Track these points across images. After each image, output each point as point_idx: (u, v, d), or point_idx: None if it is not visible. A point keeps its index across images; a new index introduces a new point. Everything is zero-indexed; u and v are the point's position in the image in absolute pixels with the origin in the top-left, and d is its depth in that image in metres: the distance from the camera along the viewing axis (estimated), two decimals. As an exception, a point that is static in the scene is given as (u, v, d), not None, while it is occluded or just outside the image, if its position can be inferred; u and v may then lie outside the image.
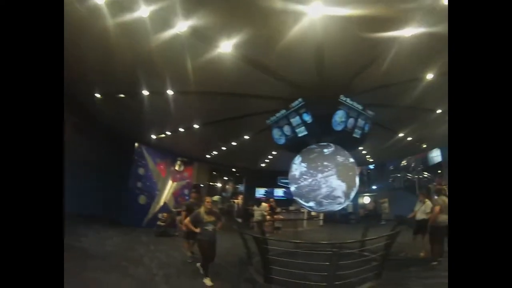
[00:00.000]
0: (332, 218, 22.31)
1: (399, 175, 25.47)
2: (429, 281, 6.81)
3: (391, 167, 26.63)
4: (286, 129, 10.26)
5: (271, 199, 19.85)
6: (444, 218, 8.14)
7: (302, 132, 9.79)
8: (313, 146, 10.09)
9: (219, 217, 7.57)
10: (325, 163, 9.35)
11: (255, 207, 18.35)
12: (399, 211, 16.97)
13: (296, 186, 10.03)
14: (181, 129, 14.08)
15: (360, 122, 10.06)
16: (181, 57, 7.78)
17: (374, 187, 26.91)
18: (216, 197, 8.42)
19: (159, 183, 18.33)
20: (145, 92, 9.81)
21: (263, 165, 23.10)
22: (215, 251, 7.25)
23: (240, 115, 12.16)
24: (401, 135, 15.37)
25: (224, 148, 17.96)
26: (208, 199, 7.56)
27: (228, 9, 6.15)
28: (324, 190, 9.28)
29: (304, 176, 9.61)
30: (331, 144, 9.94)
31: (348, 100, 9.37)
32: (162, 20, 6.30)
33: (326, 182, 9.24)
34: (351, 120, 9.68)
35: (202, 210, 7.29)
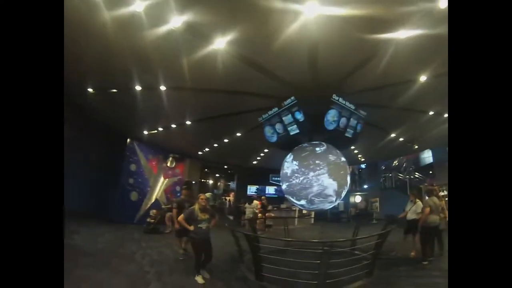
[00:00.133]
0: (323, 217, 22.42)
1: (390, 175, 25.65)
2: (419, 280, 6.87)
3: (383, 167, 26.79)
4: (278, 127, 10.24)
5: (263, 197, 19.94)
6: (434, 218, 8.22)
7: (294, 130, 9.78)
8: (305, 144, 10.11)
9: (213, 214, 7.52)
10: (317, 161, 9.36)
11: (246, 205, 18.42)
12: (390, 211, 17.11)
13: (287, 184, 10.04)
14: (173, 125, 14.02)
15: (353, 121, 10.08)
16: (175, 53, 7.74)
17: (365, 186, 27.06)
18: (207, 194, 8.34)
19: (151, 179, 18.24)
20: (138, 88, 9.74)
21: (255, 162, 23.13)
22: (209, 249, 7.21)
23: (232, 112, 12.14)
24: (393, 135, 15.46)
25: (216, 145, 17.92)
26: (202, 196, 7.49)
27: (223, 6, 6.11)
28: (315, 189, 9.29)
29: (296, 174, 9.62)
30: (323, 143, 9.95)
31: (340, 99, 9.39)
32: (156, 15, 6.25)
33: (318, 180, 9.25)
34: (343, 120, 9.70)
35: (196, 207, 7.23)
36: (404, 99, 10.40)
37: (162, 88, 9.74)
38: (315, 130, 9.74)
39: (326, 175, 9.22)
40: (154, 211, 15.13)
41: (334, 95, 9.22)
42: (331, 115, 9.33)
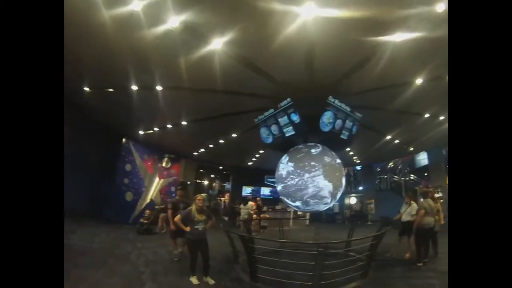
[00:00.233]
0: (318, 218, 22.45)
1: (385, 176, 25.76)
2: (414, 281, 6.87)
3: (378, 169, 26.92)
4: (274, 128, 10.26)
5: (258, 198, 19.92)
6: (429, 220, 8.24)
7: (289, 132, 9.80)
8: (301, 146, 10.11)
9: (209, 215, 7.42)
10: (313, 163, 9.36)
11: (241, 206, 18.36)
12: (385, 212, 17.14)
13: (282, 185, 10.04)
14: (169, 126, 14.00)
15: (348, 123, 10.12)
16: (172, 53, 7.75)
17: (360, 188, 27.12)
18: (203, 195, 8.31)
19: (146, 179, 18.22)
20: (134, 87, 9.72)
21: (250, 163, 23.16)
22: (206, 251, 7.10)
23: (228, 113, 12.16)
24: (388, 137, 15.56)
25: (211, 146, 17.94)
26: (199, 197, 7.40)
27: (221, 7, 6.13)
28: (310, 190, 9.29)
29: (291, 176, 9.61)
30: (319, 145, 9.97)
31: (336, 101, 9.42)
32: (154, 15, 6.25)
33: (313, 182, 9.25)
34: (339, 122, 9.73)
35: (193, 208, 7.14)
36: (400, 102, 10.48)
37: (159, 88, 9.73)
38: (310, 132, 9.76)
39: (322, 176, 9.23)
40: (148, 211, 15.03)
41: (330, 97, 9.24)
42: (327, 117, 9.35)
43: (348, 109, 9.89)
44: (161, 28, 6.62)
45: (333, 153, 10.03)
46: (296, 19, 6.28)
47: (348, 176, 27.48)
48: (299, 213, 19.21)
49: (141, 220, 14.42)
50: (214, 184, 36.83)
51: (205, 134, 15.84)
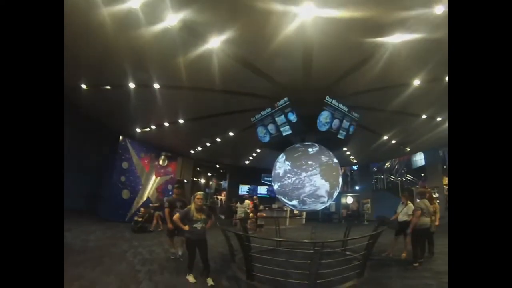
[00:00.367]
0: (314, 217, 22.48)
1: (382, 176, 25.82)
2: (410, 281, 6.90)
3: (375, 169, 27.01)
4: (271, 127, 10.26)
5: (255, 197, 19.93)
6: (425, 220, 8.28)
7: (286, 131, 9.80)
8: (298, 145, 10.13)
9: (209, 215, 7.34)
10: (310, 162, 9.38)
11: (238, 204, 18.39)
12: (381, 212, 17.18)
13: (279, 184, 10.04)
14: (166, 124, 13.97)
15: (345, 123, 10.13)
16: (169, 51, 7.73)
17: (357, 187, 27.18)
18: (200, 193, 8.26)
19: (142, 177, 18.16)
20: (132, 85, 9.70)
21: (247, 162, 23.16)
22: (204, 250, 7.00)
23: (225, 112, 12.15)
24: (385, 138, 15.59)
25: (208, 144, 17.91)
26: (199, 195, 7.34)
27: (219, 6, 6.12)
28: (307, 189, 9.30)
29: (288, 175, 9.62)
30: (316, 144, 9.98)
31: (333, 101, 9.42)
32: (152, 13, 6.23)
33: (310, 181, 9.26)
34: (336, 121, 9.74)
35: (192, 206, 7.08)
36: (397, 102, 10.51)
37: (156, 86, 9.70)
38: (307, 131, 9.79)
39: (319, 175, 9.24)
40: (142, 209, 14.98)
41: (327, 96, 9.25)
42: (324, 116, 9.36)
43: (346, 109, 9.90)
44: (159, 26, 6.59)
45: (330, 152, 10.05)
46: (295, 19, 6.28)
47: (344, 176, 27.54)
48: (295, 212, 19.25)
49: (136, 218, 14.33)
50: (211, 183, 36.85)
51: (202, 133, 15.83)
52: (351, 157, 21.29)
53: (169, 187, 19.58)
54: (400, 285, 6.76)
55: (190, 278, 6.81)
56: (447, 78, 8.53)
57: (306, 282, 6.34)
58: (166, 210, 8.69)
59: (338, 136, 10.07)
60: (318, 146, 9.92)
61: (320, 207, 10.33)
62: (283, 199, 10.33)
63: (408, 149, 18.68)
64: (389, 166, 27.32)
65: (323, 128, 9.43)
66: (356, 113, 10.46)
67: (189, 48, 7.48)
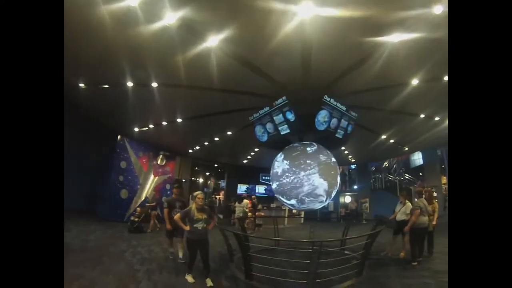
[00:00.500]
0: (313, 216, 22.49)
1: (380, 176, 25.91)
2: (408, 280, 6.91)
3: (373, 168, 27.07)
4: (269, 126, 10.25)
5: (253, 196, 19.92)
6: (424, 220, 8.28)
7: (284, 130, 9.79)
8: (296, 144, 10.12)
9: (210, 215, 7.23)
10: (308, 161, 9.37)
11: (236, 204, 18.37)
12: (379, 211, 17.21)
13: (278, 183, 10.04)
14: (164, 123, 13.94)
15: (343, 122, 10.13)
16: (168, 50, 7.70)
17: (355, 187, 27.21)
18: (197, 193, 8.20)
19: (141, 177, 18.13)
20: (130, 84, 9.67)
21: (245, 161, 23.16)
22: (205, 251, 6.88)
23: (223, 111, 12.14)
24: (383, 137, 15.61)
25: (206, 143, 17.90)
26: (200, 195, 7.22)
27: (218, 5, 6.10)
28: (306, 188, 9.30)
29: (287, 174, 9.61)
30: (314, 143, 9.98)
31: (332, 100, 9.41)
32: (150, 11, 6.20)
33: (309, 180, 9.26)
34: (334, 121, 9.73)
35: (193, 206, 6.98)
36: (396, 102, 10.52)
37: (154, 85, 9.68)
38: (305, 130, 9.78)
39: (317, 175, 9.24)
40: (139, 209, 14.85)
41: (325, 96, 9.24)
42: (322, 115, 9.35)
43: (344, 108, 9.89)
44: (157, 25, 6.56)
45: (328, 151, 10.04)
46: (294, 18, 6.26)
47: (343, 175, 27.60)
48: (294, 211, 19.25)
49: (132, 218, 14.20)
50: (209, 182, 36.83)
51: (200, 132, 15.81)
52: (349, 156, 21.33)
53: (167, 186, 19.56)
54: (398, 284, 6.77)
55: (189, 278, 6.79)
56: (445, 78, 8.55)
57: (305, 281, 6.34)
58: (165, 211, 8.60)
59: (336, 135, 10.06)
60: (316, 145, 9.92)
61: (318, 206, 10.33)
62: (282, 198, 10.32)
63: (406, 149, 18.71)
64: (387, 165, 27.40)
65: (321, 127, 9.42)
66: (354, 112, 10.45)
67: (188, 46, 7.46)
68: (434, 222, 8.92)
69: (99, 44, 7.58)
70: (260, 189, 26.80)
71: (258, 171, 26.18)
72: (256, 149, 18.90)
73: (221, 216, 22.68)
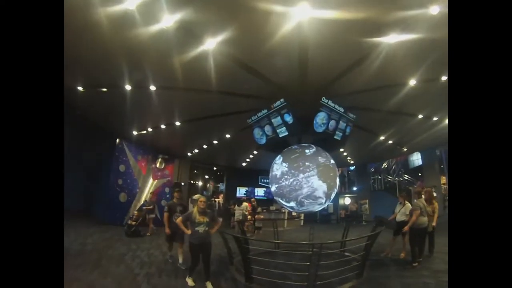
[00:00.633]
0: (312, 219, 22.46)
1: (379, 177, 25.90)
2: (409, 281, 6.89)
3: (372, 169, 27.06)
4: (267, 129, 10.23)
5: (252, 199, 19.90)
6: (423, 220, 8.28)
7: (283, 132, 9.79)
8: (295, 146, 10.10)
9: (213, 218, 7.16)
10: (307, 163, 9.34)
11: (236, 207, 18.34)
12: (379, 212, 17.19)
13: (277, 186, 10.00)
14: (162, 126, 13.91)
15: (342, 124, 10.12)
16: (166, 52, 7.70)
17: (355, 188, 27.19)
18: (197, 196, 8.14)
19: (140, 180, 18.08)
20: (128, 87, 9.66)
21: (244, 164, 23.13)
22: (207, 254, 6.85)
23: (221, 113, 12.13)
24: (382, 138, 15.61)
25: (205, 146, 17.89)
26: (202, 198, 7.14)
27: (215, 7, 6.11)
28: (305, 190, 9.27)
29: (286, 176, 9.58)
30: (313, 145, 9.96)
31: (329, 102, 9.41)
32: (148, 13, 6.20)
33: (308, 182, 9.23)
34: (332, 122, 9.72)
35: (195, 209, 6.93)
36: (394, 102, 10.53)
37: (152, 87, 9.67)
38: (304, 133, 9.77)
39: (316, 177, 9.20)
40: (136, 212, 14.57)
41: (323, 97, 9.23)
42: (320, 117, 9.34)
43: (342, 109, 9.89)
44: (155, 27, 6.57)
45: (327, 153, 10.03)
46: (290, 20, 6.27)
47: (342, 177, 27.60)
48: (293, 213, 19.22)
49: (129, 221, 13.94)
50: (208, 185, 36.77)
51: (198, 135, 15.80)
52: (348, 158, 21.32)
53: (166, 190, 19.54)
54: (399, 284, 6.76)
55: (189, 281, 6.77)
56: (443, 78, 8.56)
57: (305, 284, 6.31)
58: (166, 215, 8.52)
59: (335, 137, 10.05)
60: (315, 147, 9.90)
61: (318, 208, 10.29)
62: (281, 201, 10.28)
63: (405, 149, 18.73)
64: (386, 166, 27.40)
65: (320, 129, 9.41)
66: (352, 114, 10.44)
67: (185, 49, 7.46)
68: (434, 223, 8.90)
69: (97, 47, 7.58)
70: (260, 192, 26.76)
71: (257, 173, 26.14)
72: (255, 152, 18.90)
73: (220, 219, 22.65)
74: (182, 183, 21.27)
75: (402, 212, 9.45)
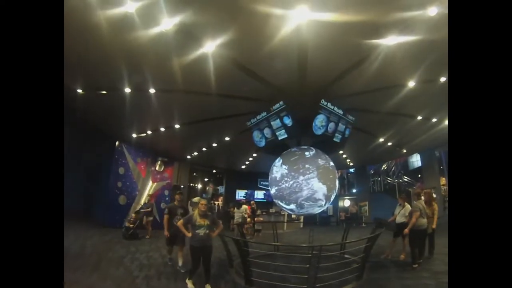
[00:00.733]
0: (312, 221, 22.46)
1: (379, 178, 25.92)
2: (409, 282, 6.88)
3: (372, 171, 27.08)
4: (267, 131, 10.25)
5: (252, 201, 19.86)
6: (423, 222, 8.27)
7: (282, 135, 9.80)
8: (295, 148, 10.08)
9: (215, 221, 7.15)
10: (307, 165, 9.33)
11: (235, 209, 18.31)
12: (379, 214, 17.18)
13: (276, 188, 9.99)
14: (162, 129, 13.90)
15: (341, 126, 10.13)
16: (165, 55, 7.71)
17: (354, 190, 27.18)
18: (196, 199, 8.13)
19: (139, 183, 18.06)
20: (127, 90, 9.66)
21: (243, 167, 23.14)
22: (207, 257, 6.83)
23: (221, 116, 12.13)
24: (381, 140, 15.61)
25: (204, 149, 17.88)
26: (203, 201, 7.09)
27: (214, 10, 6.12)
28: (305, 193, 9.26)
29: (286, 178, 9.56)
30: (312, 148, 9.96)
31: (329, 104, 9.42)
32: (148, 16, 6.21)
33: (308, 184, 9.22)
34: (331, 125, 9.73)
35: (195, 212, 6.92)
36: (392, 104, 10.53)
37: (152, 90, 9.67)
38: (303, 135, 9.77)
39: (316, 179, 9.19)
40: (133, 215, 14.64)
41: (322, 100, 9.24)
42: (319, 120, 9.36)
43: (341, 112, 9.90)
44: (154, 30, 6.58)
45: (327, 156, 10.02)
46: (289, 22, 6.29)
47: (341, 179, 27.59)
48: (293, 216, 19.20)
49: (127, 224, 13.87)
50: (207, 188, 36.73)
51: (198, 137, 15.80)
52: (348, 160, 21.33)
53: (166, 192, 19.52)
54: (399, 286, 6.75)
55: (189, 284, 6.75)
56: (442, 79, 8.57)
57: (305, 286, 6.30)
58: (166, 217, 8.48)
59: (334, 139, 10.06)
60: (314, 149, 9.89)
61: (317, 210, 10.27)
62: (281, 203, 10.26)
63: (404, 151, 18.73)
64: (385, 168, 27.42)
65: (319, 132, 9.42)
66: (351, 116, 10.45)
67: (185, 51, 7.47)
68: (434, 226, 8.89)
69: (96, 49, 7.59)
70: (259, 195, 26.69)
71: (257, 176, 26.10)
72: (254, 154, 18.89)
73: (220, 222, 22.60)
74: (182, 186, 21.26)
75: (401, 213, 9.43)
